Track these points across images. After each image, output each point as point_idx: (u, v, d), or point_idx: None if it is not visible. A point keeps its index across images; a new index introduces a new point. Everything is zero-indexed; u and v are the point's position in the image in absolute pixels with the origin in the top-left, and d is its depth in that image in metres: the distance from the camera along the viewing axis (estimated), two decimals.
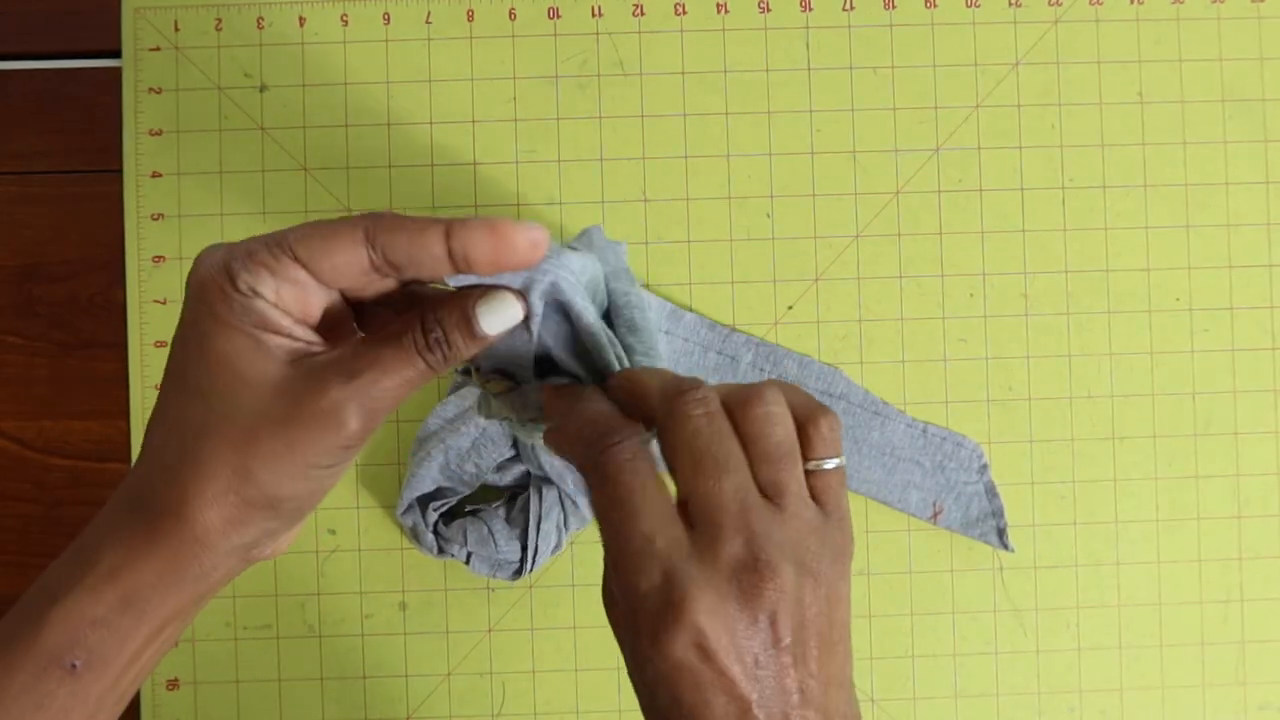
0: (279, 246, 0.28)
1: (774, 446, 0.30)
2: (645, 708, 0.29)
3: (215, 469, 0.29)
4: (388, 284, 0.30)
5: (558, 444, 0.32)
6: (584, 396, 0.32)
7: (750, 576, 0.28)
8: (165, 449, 0.30)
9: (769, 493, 0.30)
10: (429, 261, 0.29)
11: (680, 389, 0.30)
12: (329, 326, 0.30)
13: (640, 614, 0.28)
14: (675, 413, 0.30)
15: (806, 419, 0.31)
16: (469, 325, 0.30)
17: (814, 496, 0.31)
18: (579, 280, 0.33)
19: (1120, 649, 0.51)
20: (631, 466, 0.29)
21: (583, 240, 0.45)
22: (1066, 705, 0.51)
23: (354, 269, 0.29)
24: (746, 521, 0.29)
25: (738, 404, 0.30)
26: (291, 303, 0.29)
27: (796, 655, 0.28)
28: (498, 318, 0.30)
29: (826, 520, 0.30)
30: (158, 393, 0.31)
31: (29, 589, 0.31)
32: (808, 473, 0.31)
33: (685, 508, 0.29)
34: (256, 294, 0.28)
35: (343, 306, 0.31)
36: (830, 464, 0.31)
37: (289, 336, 0.29)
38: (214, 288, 0.28)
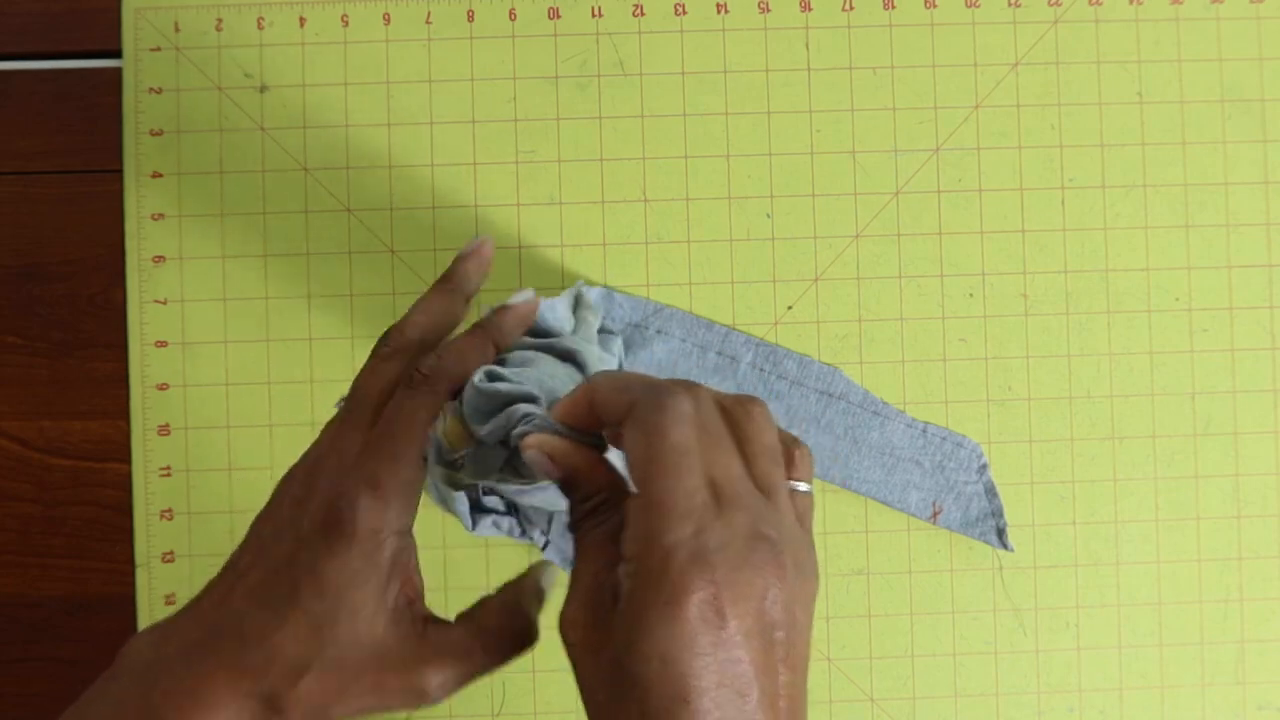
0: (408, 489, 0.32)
1: (769, 445, 0.30)
2: (611, 699, 0.27)
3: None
4: None
5: (580, 410, 0.31)
6: (617, 371, 0.33)
7: (762, 548, 0.27)
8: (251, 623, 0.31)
9: (761, 485, 0.29)
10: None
11: (690, 382, 0.31)
12: None
13: (664, 566, 0.27)
14: (693, 394, 0.29)
15: (788, 441, 0.32)
16: (539, 594, 0.34)
17: None
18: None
19: (1120, 649, 0.51)
20: (692, 420, 0.29)
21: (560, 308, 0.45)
22: (1066, 705, 0.51)
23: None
24: (751, 501, 0.28)
25: (735, 403, 0.31)
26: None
27: (787, 653, 0.27)
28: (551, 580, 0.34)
29: (805, 537, 0.30)
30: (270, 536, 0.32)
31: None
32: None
33: None
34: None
35: None
36: (804, 487, 0.31)
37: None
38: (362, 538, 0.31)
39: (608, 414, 0.30)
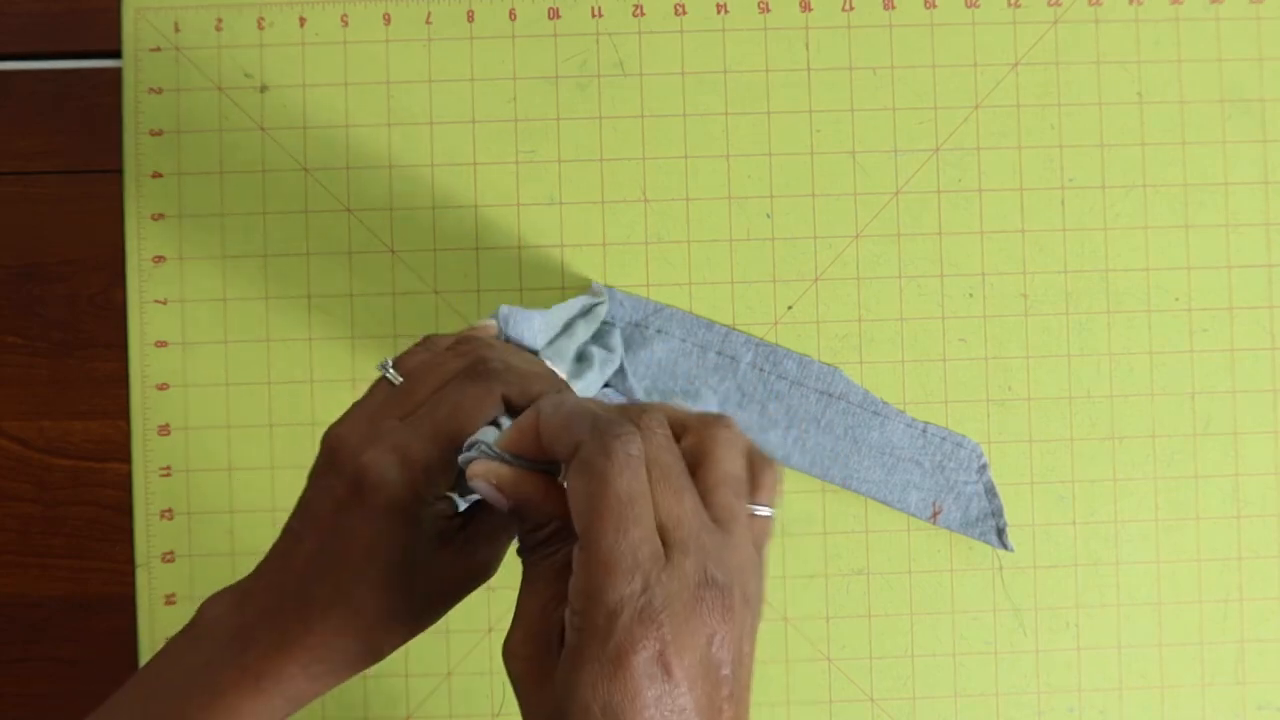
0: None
1: (730, 473, 0.29)
2: None
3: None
4: None
5: (527, 439, 0.30)
6: (565, 397, 0.31)
7: (710, 594, 0.27)
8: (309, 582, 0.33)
9: (719, 516, 0.29)
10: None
11: (644, 407, 0.29)
12: None
13: (609, 624, 0.26)
14: (643, 427, 0.28)
15: (756, 462, 0.31)
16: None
17: None
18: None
19: (1120, 648, 0.51)
20: (637, 464, 0.27)
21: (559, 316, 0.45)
22: (1066, 705, 0.51)
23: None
24: (703, 541, 0.28)
25: (700, 424, 0.30)
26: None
27: (732, 689, 0.27)
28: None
29: (760, 563, 0.30)
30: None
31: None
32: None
33: None
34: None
35: None
36: (765, 512, 0.31)
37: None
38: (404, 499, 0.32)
39: (553, 450, 0.29)
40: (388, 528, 0.32)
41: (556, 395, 0.31)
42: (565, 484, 0.28)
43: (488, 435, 0.31)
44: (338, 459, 0.33)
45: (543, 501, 0.30)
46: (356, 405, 0.34)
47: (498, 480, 0.30)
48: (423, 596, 0.33)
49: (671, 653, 0.26)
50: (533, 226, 0.51)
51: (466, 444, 0.31)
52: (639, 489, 0.27)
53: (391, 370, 0.35)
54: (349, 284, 0.51)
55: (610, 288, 0.51)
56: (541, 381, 0.35)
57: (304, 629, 0.32)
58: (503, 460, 0.30)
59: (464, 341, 0.37)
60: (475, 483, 0.30)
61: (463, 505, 0.34)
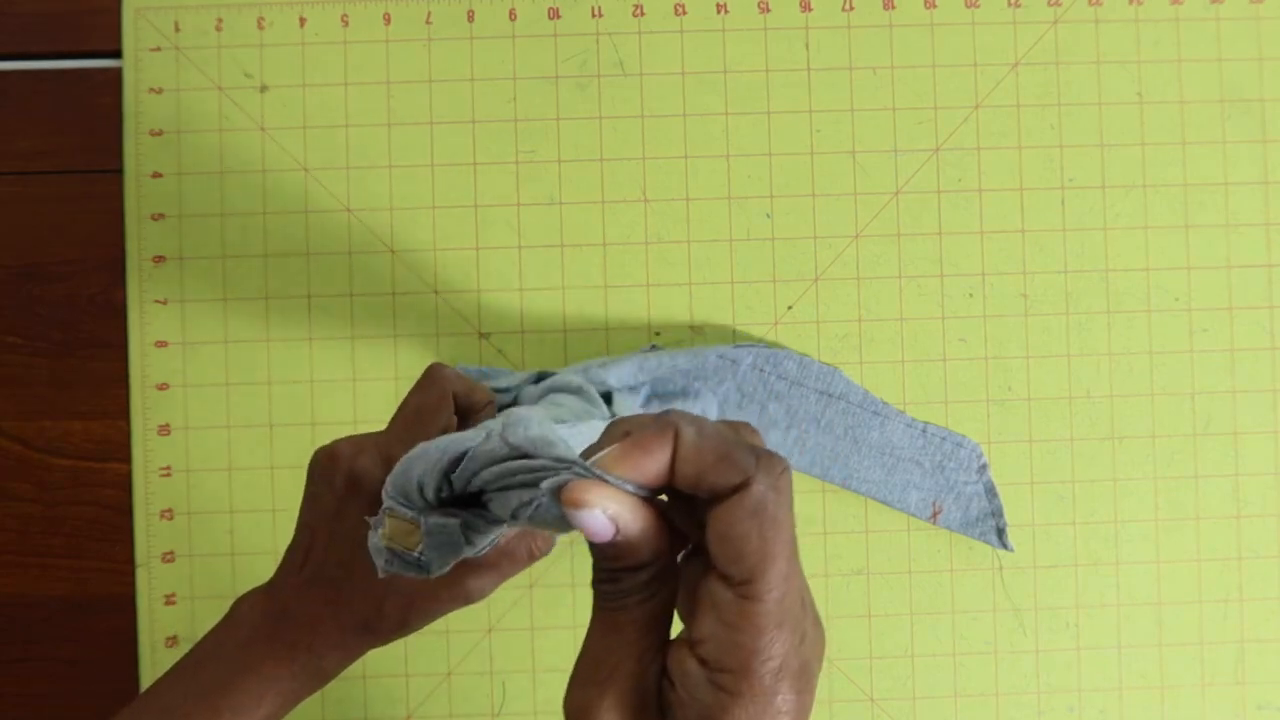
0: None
1: None
2: None
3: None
4: None
5: (690, 459, 0.25)
6: (700, 418, 0.26)
7: (819, 631, 0.26)
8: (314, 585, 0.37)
9: None
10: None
11: (771, 453, 0.25)
12: None
13: (773, 687, 0.24)
14: (776, 469, 0.25)
15: None
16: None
17: None
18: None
19: (1119, 648, 0.51)
20: (791, 505, 0.24)
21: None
22: (1066, 705, 0.51)
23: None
24: (804, 578, 0.26)
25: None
26: None
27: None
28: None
29: None
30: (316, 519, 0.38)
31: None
32: None
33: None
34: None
35: None
36: None
37: None
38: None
39: (702, 480, 0.24)
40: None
41: (690, 415, 0.26)
42: (707, 519, 0.24)
43: (564, 456, 0.26)
44: (333, 464, 0.37)
45: (653, 539, 0.25)
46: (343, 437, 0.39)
47: (616, 511, 0.24)
48: (414, 589, 0.37)
49: (808, 707, 0.24)
50: (533, 226, 0.51)
51: (464, 457, 0.28)
52: (793, 531, 0.24)
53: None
54: (349, 284, 0.51)
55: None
56: (482, 391, 0.40)
57: (324, 605, 0.36)
58: (613, 485, 0.25)
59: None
60: (580, 513, 0.24)
61: (474, 550, 0.31)
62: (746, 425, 0.26)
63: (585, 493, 0.24)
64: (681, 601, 0.26)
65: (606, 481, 0.24)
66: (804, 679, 0.24)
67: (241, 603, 0.38)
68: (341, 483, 0.36)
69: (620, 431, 0.25)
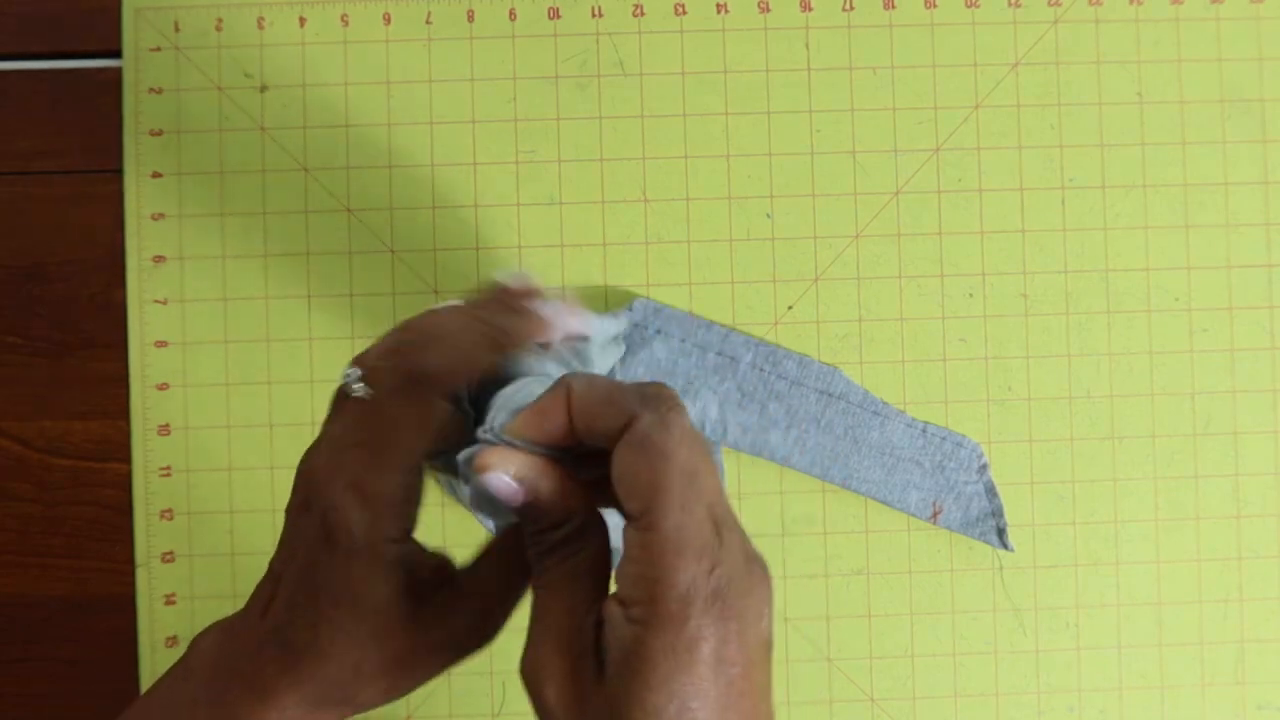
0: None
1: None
2: None
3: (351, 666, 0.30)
4: None
5: (580, 410, 0.26)
6: (592, 375, 0.28)
7: (757, 568, 0.26)
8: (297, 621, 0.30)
9: None
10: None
11: (659, 390, 0.27)
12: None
13: (682, 614, 0.24)
14: (661, 418, 0.26)
15: None
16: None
17: None
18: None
19: (1119, 649, 0.51)
20: (694, 436, 0.25)
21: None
22: (1066, 705, 0.51)
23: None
24: (733, 515, 0.27)
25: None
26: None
27: (769, 653, 0.27)
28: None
29: None
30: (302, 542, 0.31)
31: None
32: None
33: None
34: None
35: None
36: None
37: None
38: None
39: (593, 428, 0.26)
40: (365, 575, 0.29)
41: (583, 373, 0.28)
42: (613, 466, 0.26)
43: (484, 428, 0.28)
44: (309, 495, 0.30)
45: (563, 494, 0.27)
46: (325, 426, 0.31)
47: (516, 470, 0.26)
48: (405, 653, 0.30)
49: (734, 637, 0.25)
50: (533, 226, 0.51)
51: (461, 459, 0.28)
52: (697, 463, 0.25)
53: (357, 384, 0.31)
54: (349, 284, 0.51)
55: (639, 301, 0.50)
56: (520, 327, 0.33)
57: (281, 673, 0.30)
58: (515, 448, 0.26)
59: (404, 331, 0.32)
60: (487, 476, 0.26)
61: (491, 525, 0.31)
62: (660, 384, 0.27)
63: (489, 457, 0.26)
64: None
65: (515, 446, 0.26)
66: (719, 605, 0.24)
67: (196, 644, 0.32)
68: (314, 532, 0.30)
69: (520, 413, 0.27)
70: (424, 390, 0.30)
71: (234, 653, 0.31)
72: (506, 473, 0.26)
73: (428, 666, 0.31)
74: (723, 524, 0.26)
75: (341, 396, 0.31)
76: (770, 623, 0.26)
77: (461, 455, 0.27)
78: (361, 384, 0.30)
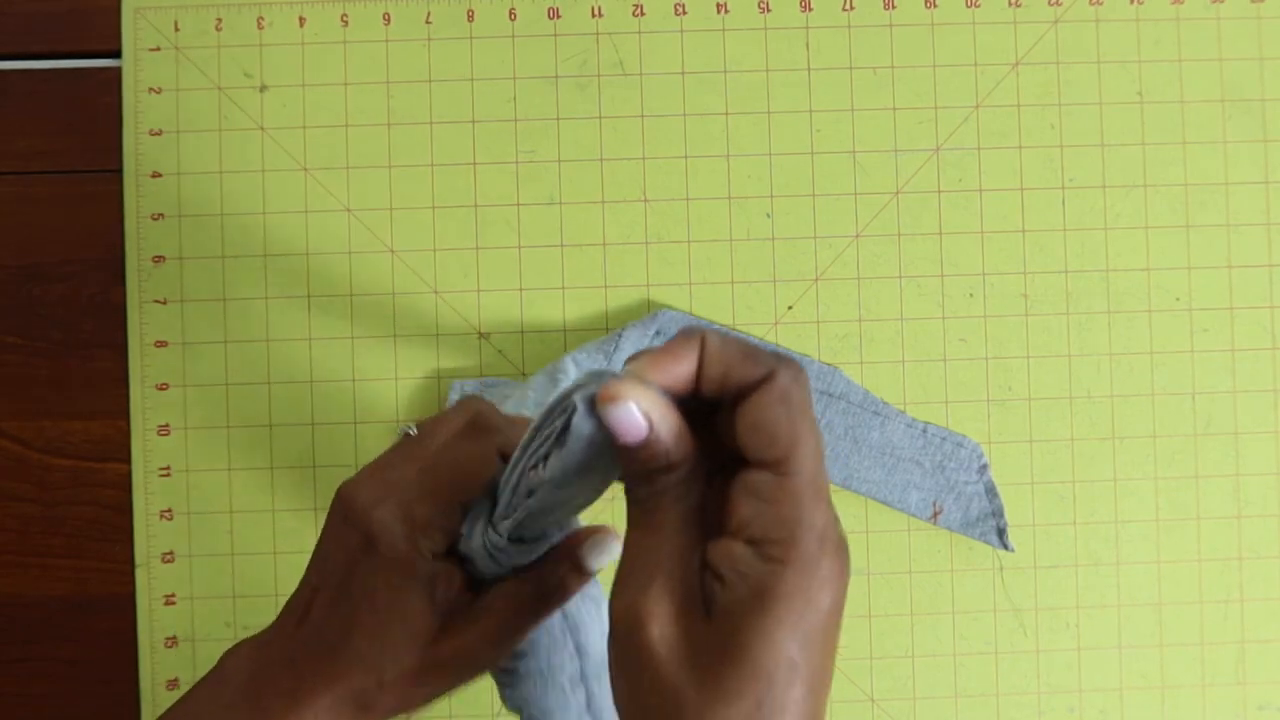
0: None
1: None
2: (710, 696, 0.25)
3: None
4: None
5: (718, 361, 0.27)
6: (723, 332, 0.29)
7: (836, 531, 0.27)
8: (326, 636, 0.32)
9: None
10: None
11: (787, 355, 0.28)
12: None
13: (818, 554, 0.25)
14: (797, 375, 0.27)
15: None
16: (579, 566, 0.32)
17: None
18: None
19: (1120, 649, 0.51)
20: (809, 392, 0.26)
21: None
22: (1066, 705, 0.51)
23: None
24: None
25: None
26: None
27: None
28: (603, 555, 0.32)
29: None
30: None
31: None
32: None
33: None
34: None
35: None
36: None
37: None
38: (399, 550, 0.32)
39: (728, 378, 0.26)
40: (400, 584, 0.31)
41: (714, 329, 0.29)
42: (736, 418, 0.26)
43: (595, 371, 0.28)
44: (350, 513, 0.32)
45: (683, 436, 0.27)
46: (373, 462, 0.34)
47: (648, 406, 0.26)
48: (422, 665, 0.32)
49: (843, 592, 0.26)
50: (533, 226, 0.51)
51: (572, 385, 0.28)
52: (817, 425, 0.27)
53: (412, 428, 0.34)
54: (349, 284, 0.51)
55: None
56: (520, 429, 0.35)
57: (316, 675, 0.32)
58: (644, 383, 0.26)
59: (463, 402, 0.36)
60: (616, 407, 0.26)
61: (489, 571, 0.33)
62: (782, 351, 0.28)
63: (619, 387, 0.26)
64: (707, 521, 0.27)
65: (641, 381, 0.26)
66: (842, 554, 0.26)
67: (229, 657, 0.34)
68: (356, 541, 0.32)
69: (644, 355, 0.27)
70: (486, 436, 0.32)
71: (269, 660, 0.33)
72: (638, 404, 0.26)
73: (435, 684, 0.33)
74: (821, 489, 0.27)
75: (400, 436, 0.34)
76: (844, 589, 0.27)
77: (579, 394, 0.27)
78: (414, 425, 0.34)
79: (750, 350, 0.27)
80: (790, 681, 0.25)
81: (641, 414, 0.26)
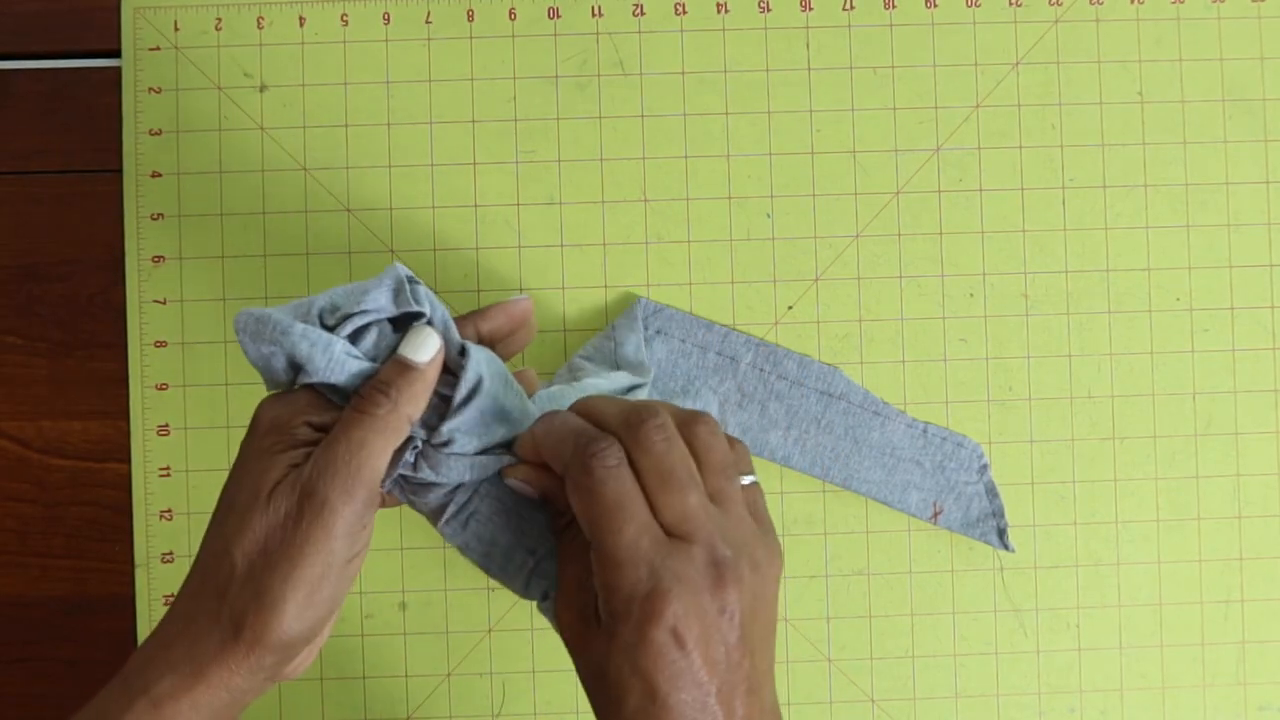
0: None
1: (719, 460, 0.34)
2: (609, 702, 0.32)
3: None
4: None
5: (536, 452, 0.36)
6: (557, 415, 0.36)
7: (718, 572, 0.32)
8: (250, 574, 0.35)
9: (716, 500, 0.34)
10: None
11: (642, 415, 0.33)
12: None
13: (627, 607, 0.32)
14: (642, 438, 0.33)
15: (728, 441, 0.36)
16: (401, 363, 0.36)
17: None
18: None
19: (1120, 649, 0.51)
20: (618, 473, 0.33)
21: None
22: (1066, 705, 0.51)
23: None
24: (710, 527, 0.33)
25: (684, 424, 0.34)
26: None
27: (748, 647, 0.32)
28: (421, 347, 0.36)
29: (760, 525, 0.35)
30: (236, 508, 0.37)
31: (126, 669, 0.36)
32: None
33: (655, 515, 0.33)
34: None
35: None
36: (749, 480, 0.36)
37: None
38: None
39: (556, 464, 0.35)
40: (325, 535, 0.35)
41: (549, 414, 0.36)
42: None
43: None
44: (259, 428, 0.38)
45: (562, 494, 0.35)
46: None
47: (526, 477, 0.36)
48: (334, 600, 0.35)
49: (684, 627, 0.31)
50: (533, 226, 0.51)
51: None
52: (625, 492, 0.32)
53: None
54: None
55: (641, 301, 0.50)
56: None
57: (246, 637, 0.34)
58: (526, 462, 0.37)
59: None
60: (511, 482, 0.37)
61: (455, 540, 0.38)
62: (631, 407, 0.34)
63: (510, 472, 0.37)
64: None
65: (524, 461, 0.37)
66: (657, 601, 0.31)
67: (149, 646, 0.37)
68: (292, 504, 0.35)
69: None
70: (279, 434, 0.37)
71: (196, 636, 0.35)
72: (518, 479, 0.36)
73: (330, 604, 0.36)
74: (687, 538, 0.33)
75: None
76: (741, 613, 0.32)
77: (499, 467, 0.37)
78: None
79: (556, 442, 0.34)
80: (637, 695, 0.32)
81: (526, 486, 0.37)
